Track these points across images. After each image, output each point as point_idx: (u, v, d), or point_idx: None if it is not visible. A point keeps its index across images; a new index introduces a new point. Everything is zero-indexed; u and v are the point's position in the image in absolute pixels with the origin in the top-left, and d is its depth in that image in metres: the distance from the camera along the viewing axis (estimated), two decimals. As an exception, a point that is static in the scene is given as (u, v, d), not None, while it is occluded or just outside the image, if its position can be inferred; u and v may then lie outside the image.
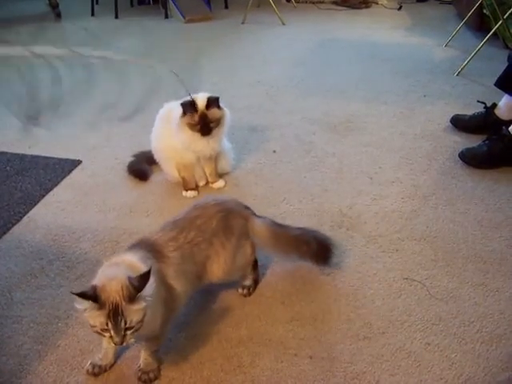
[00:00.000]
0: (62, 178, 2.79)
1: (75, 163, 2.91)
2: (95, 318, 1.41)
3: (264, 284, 2.04)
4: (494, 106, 2.96)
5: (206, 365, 1.74)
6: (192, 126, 2.41)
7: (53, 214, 2.51)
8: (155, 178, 2.76)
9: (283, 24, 5.21)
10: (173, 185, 2.68)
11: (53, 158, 2.96)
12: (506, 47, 4.15)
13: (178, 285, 1.67)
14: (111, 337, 1.42)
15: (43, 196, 2.65)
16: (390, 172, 2.71)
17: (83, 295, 1.40)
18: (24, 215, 2.50)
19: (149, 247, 1.66)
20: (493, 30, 3.86)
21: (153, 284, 1.46)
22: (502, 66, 3.00)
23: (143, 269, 1.49)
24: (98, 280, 1.46)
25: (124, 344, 1.44)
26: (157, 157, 2.66)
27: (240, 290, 2.00)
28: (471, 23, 4.49)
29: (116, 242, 2.30)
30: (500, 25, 3.86)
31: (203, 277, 1.80)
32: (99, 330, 1.43)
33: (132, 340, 1.46)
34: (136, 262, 1.55)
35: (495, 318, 1.86)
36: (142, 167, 2.77)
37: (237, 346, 1.79)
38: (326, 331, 1.83)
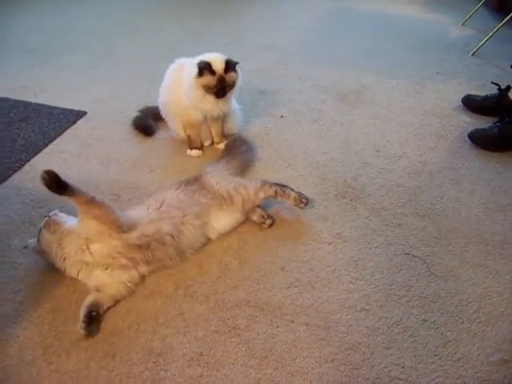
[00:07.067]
0: (66, 129, 2.76)
1: (80, 114, 2.88)
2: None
3: (264, 248, 2.03)
4: (508, 88, 2.90)
5: (201, 325, 1.74)
6: (208, 89, 2.34)
7: (55, 163, 2.48)
8: (160, 134, 2.73)
9: (298, -10, 5.11)
10: (178, 142, 2.65)
11: (58, 108, 2.92)
12: (525, 30, 4.08)
13: None
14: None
15: (46, 145, 2.62)
16: (397, 146, 2.67)
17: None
18: (25, 163, 2.48)
19: None
20: (512, 12, 3.78)
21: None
22: (519, 49, 2.95)
23: None
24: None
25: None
26: (163, 112, 2.62)
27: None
28: (491, 3, 4.41)
29: (117, 195, 2.28)
30: (520, 6, 3.78)
31: None
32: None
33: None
34: None
35: (493, 300, 1.85)
36: (148, 122, 2.73)
37: (233, 309, 1.79)
38: (324, 300, 1.83)
